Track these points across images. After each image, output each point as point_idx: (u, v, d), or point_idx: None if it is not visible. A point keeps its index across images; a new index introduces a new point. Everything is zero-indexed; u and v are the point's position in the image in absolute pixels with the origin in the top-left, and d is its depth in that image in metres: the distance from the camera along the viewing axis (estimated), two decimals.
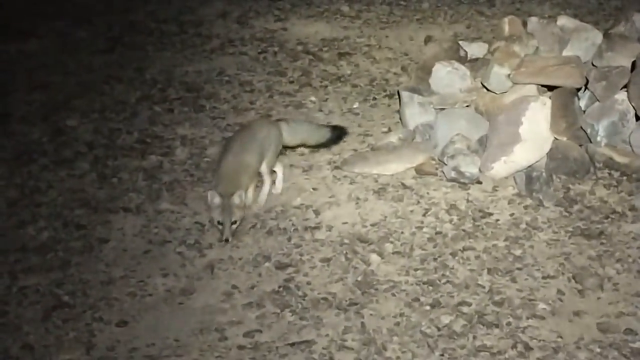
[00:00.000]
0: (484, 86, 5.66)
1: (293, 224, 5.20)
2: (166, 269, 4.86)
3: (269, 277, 4.77)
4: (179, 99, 6.82)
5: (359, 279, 4.70)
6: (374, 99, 6.67)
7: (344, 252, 4.93)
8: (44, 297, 4.69)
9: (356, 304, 4.52)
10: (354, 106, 6.59)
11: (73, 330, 4.44)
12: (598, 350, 4.00)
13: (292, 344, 4.26)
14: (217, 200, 4.97)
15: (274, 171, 5.50)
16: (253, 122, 5.68)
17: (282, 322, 4.43)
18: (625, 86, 5.19)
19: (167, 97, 6.85)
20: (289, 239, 5.07)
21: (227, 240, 4.95)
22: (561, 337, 4.12)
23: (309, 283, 4.71)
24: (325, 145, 5.91)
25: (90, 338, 4.39)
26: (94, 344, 4.35)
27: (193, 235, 5.13)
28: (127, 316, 4.53)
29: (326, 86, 6.89)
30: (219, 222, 4.98)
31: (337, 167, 5.75)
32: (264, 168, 5.38)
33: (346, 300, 4.55)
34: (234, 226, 4.99)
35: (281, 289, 4.67)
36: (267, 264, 4.87)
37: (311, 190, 5.55)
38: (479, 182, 5.40)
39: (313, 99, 6.70)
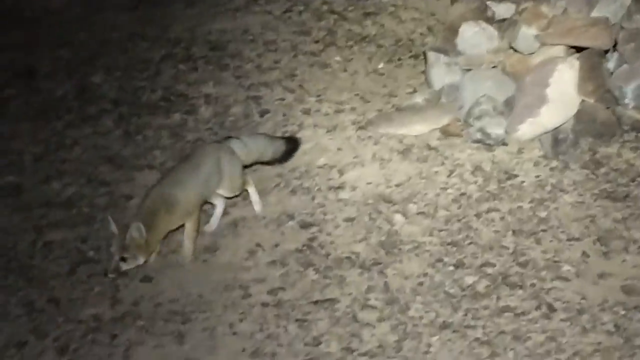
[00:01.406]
0: (511, 47, 5.59)
1: (317, 184, 5.20)
2: None
3: (292, 235, 4.79)
4: (203, 57, 6.78)
5: (383, 239, 4.70)
6: (400, 59, 6.60)
7: (368, 212, 4.93)
8: (69, 252, 4.74)
9: (380, 263, 4.53)
10: (379, 66, 6.53)
11: (98, 285, 4.50)
12: (622, 312, 3.99)
13: (316, 302, 4.29)
14: (113, 227, 4.39)
15: (246, 191, 4.99)
16: (200, 150, 4.96)
17: (305, 281, 4.45)
18: None
19: (191, 56, 6.81)
20: (313, 199, 5.07)
21: (106, 275, 4.42)
22: (585, 299, 4.10)
23: (332, 242, 4.72)
24: (280, 160, 5.26)
25: (115, 293, 4.44)
26: (119, 299, 4.40)
27: None
28: (152, 272, 4.57)
29: (351, 46, 6.82)
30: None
31: (361, 128, 5.72)
32: (222, 193, 4.86)
33: (370, 260, 4.56)
34: (123, 264, 4.40)
35: (305, 247, 4.69)
36: (290, 223, 4.88)
37: (335, 150, 5.52)
38: (505, 144, 5.36)
39: (338, 58, 6.64)
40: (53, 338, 4.21)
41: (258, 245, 4.72)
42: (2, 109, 6.16)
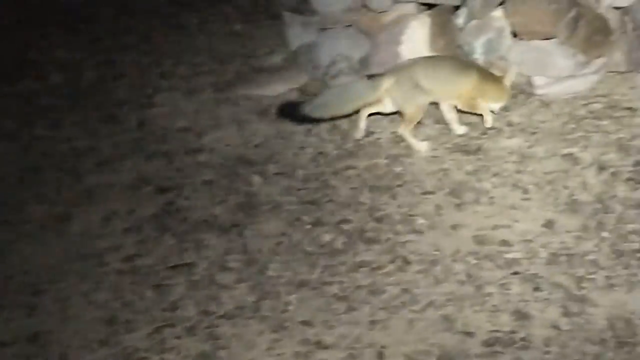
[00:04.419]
0: (364, 5, 5.60)
1: (174, 148, 5.13)
2: (42, 196, 4.75)
3: (149, 201, 4.71)
4: (56, 22, 6.56)
5: (242, 200, 4.67)
6: (257, 19, 6.56)
7: (226, 174, 4.89)
8: None
9: (238, 225, 4.50)
10: (237, 27, 6.47)
11: None
12: (474, 261, 4.07)
13: (173, 267, 4.23)
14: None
15: None
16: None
17: (162, 246, 4.39)
18: (502, 3, 5.21)
19: (44, 21, 6.58)
20: (170, 163, 5.00)
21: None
22: (438, 250, 4.17)
23: (190, 206, 4.66)
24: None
25: None
26: None
27: (69, 161, 5.00)
28: (2, 244, 4.42)
29: (208, 7, 6.73)
30: None
31: (219, 90, 5.66)
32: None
33: (228, 222, 4.52)
34: None
35: (161, 212, 4.61)
36: (147, 188, 4.80)
37: (193, 113, 5.46)
38: None
39: (194, 20, 6.56)
40: None
41: (113, 212, 4.62)
42: None
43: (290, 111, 5.05)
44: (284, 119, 5.14)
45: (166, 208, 4.64)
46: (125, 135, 5.16)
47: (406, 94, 4.84)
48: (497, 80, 4.92)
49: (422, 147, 4.91)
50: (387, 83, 4.83)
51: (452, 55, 5.22)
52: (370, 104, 4.94)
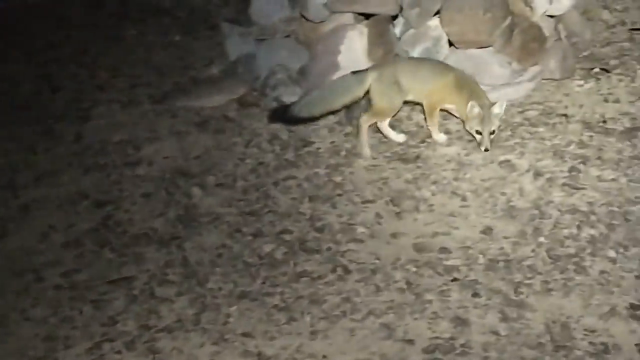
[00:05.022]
0: (302, 15, 5.62)
1: (112, 161, 5.09)
2: None
3: (87, 215, 4.67)
4: None
5: (181, 212, 4.65)
6: (196, 31, 6.54)
7: (166, 186, 4.86)
8: None
9: (178, 237, 4.47)
10: (175, 39, 6.44)
11: None
12: (414, 269, 4.10)
13: (112, 281, 4.19)
14: (476, 110, 4.73)
15: None
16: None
17: (101, 260, 4.35)
18: (437, 13, 5.28)
19: None
20: (108, 176, 4.96)
21: (486, 150, 4.78)
22: (379, 259, 4.19)
23: (129, 219, 4.63)
24: None
25: None
26: None
27: (6, 176, 4.93)
28: None
29: (146, 18, 6.69)
30: (477, 132, 4.81)
31: (157, 101, 5.63)
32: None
33: (168, 235, 4.49)
34: (492, 136, 4.79)
35: (100, 226, 4.57)
36: (85, 202, 4.75)
37: (131, 125, 5.41)
38: None
39: (132, 32, 6.51)
40: None
41: (51, 227, 4.57)
42: None
43: (281, 114, 5.12)
44: (276, 123, 5.22)
45: (105, 222, 4.60)
46: (63, 149, 5.11)
47: (384, 90, 4.92)
48: (470, 89, 4.90)
49: (366, 151, 4.93)
50: (372, 77, 4.92)
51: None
52: (357, 99, 5.01)
